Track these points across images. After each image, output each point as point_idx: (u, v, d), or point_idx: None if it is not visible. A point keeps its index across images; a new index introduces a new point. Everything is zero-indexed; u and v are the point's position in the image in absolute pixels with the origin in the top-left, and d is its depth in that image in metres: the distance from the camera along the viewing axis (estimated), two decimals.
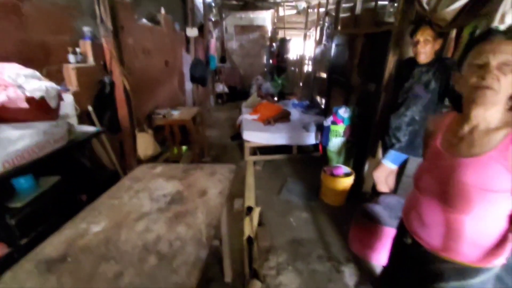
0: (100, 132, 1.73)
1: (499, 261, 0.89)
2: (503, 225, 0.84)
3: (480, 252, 0.87)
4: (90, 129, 1.70)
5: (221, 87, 7.45)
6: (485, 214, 0.83)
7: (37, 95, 1.29)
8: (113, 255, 0.85)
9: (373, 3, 3.16)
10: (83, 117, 1.98)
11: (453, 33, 1.83)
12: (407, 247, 1.07)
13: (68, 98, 1.76)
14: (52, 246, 0.90)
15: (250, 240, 2.09)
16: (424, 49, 1.68)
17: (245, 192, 2.83)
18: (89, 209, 1.12)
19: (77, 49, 2.06)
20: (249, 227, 2.24)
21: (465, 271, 0.91)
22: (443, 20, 1.56)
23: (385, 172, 2.05)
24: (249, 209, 2.50)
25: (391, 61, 2.11)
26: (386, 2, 3.29)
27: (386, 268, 1.26)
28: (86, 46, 2.12)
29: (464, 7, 1.43)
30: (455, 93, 0.90)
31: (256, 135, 3.67)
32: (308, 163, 3.62)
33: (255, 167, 3.53)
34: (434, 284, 0.97)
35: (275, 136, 3.67)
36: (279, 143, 3.69)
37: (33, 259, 0.84)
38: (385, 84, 2.20)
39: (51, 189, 1.36)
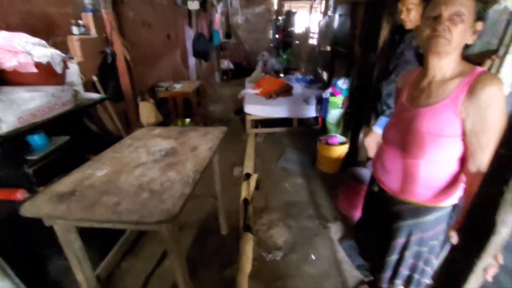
0: (105, 98, 1.87)
1: (450, 201, 1.00)
2: (454, 168, 0.94)
3: (433, 193, 0.98)
4: (95, 95, 1.84)
5: (226, 64, 7.44)
6: (436, 158, 0.92)
7: (44, 60, 1.42)
8: (113, 191, 1.01)
9: None
10: (89, 87, 2.12)
11: None
12: (374, 195, 1.19)
13: (73, 67, 1.89)
14: (63, 184, 1.06)
15: (246, 201, 2.26)
16: (408, 17, 1.68)
17: (245, 161, 2.98)
18: (95, 160, 1.28)
19: (80, 22, 2.15)
20: (246, 191, 2.40)
21: (420, 210, 1.02)
22: None
23: (375, 138, 2.12)
24: (247, 176, 2.66)
25: (385, 28, 2.12)
26: None
27: (360, 217, 1.39)
28: (88, 18, 2.21)
29: None
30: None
31: (258, 108, 3.75)
32: (307, 135, 3.71)
33: (256, 139, 3.65)
34: (394, 224, 1.09)
35: (276, 109, 3.75)
36: (280, 116, 3.77)
37: (47, 193, 1.01)
38: (379, 52, 2.22)
39: (62, 146, 1.53)
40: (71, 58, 1.81)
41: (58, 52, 1.53)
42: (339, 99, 3.07)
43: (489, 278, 0.67)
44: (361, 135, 2.78)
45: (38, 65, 1.41)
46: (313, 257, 1.73)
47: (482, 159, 0.83)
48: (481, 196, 0.67)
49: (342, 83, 3.02)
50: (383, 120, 2.02)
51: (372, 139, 2.21)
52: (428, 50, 0.88)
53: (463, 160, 0.92)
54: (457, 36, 0.82)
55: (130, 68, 2.12)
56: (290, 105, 3.81)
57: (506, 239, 0.65)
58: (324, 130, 3.36)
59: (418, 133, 0.92)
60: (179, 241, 1.00)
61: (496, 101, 0.79)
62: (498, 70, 1.35)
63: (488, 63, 1.36)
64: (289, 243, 1.85)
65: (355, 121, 3.06)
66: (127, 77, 2.11)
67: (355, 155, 2.82)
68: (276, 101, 3.91)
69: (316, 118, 3.84)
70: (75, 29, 2.10)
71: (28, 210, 0.92)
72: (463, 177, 0.97)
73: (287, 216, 2.12)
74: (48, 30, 1.97)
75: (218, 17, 6.49)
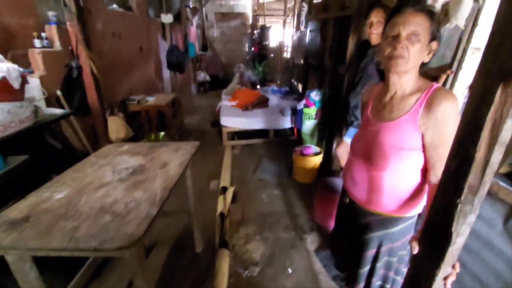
0: (69, 114, 1.77)
1: (415, 211, 1.03)
2: (417, 179, 0.97)
3: (398, 203, 1.01)
4: (58, 111, 1.74)
5: (202, 76, 7.42)
6: (400, 169, 0.96)
7: None
8: (72, 215, 0.94)
9: None
10: (52, 101, 2.01)
11: None
12: (345, 206, 1.21)
13: (34, 82, 1.78)
14: (16, 210, 0.98)
15: (222, 215, 2.22)
16: (377, 30, 1.78)
17: (222, 173, 2.94)
18: (54, 181, 1.19)
19: (43, 34, 2.06)
20: (222, 204, 2.36)
21: (387, 221, 1.05)
22: (391, 1, 1.68)
23: (346, 148, 2.19)
24: (224, 189, 2.62)
25: (351, 44, 2.23)
26: None
27: (333, 227, 1.40)
28: (52, 30, 2.12)
29: None
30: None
31: (234, 120, 3.75)
32: (284, 146, 3.75)
33: (233, 151, 3.63)
34: (365, 235, 1.11)
35: (252, 121, 3.77)
36: (256, 128, 3.79)
37: None
38: (347, 65, 2.33)
39: (19, 166, 1.41)
40: (31, 72, 1.71)
41: (15, 66, 1.44)
42: (312, 110, 3.15)
43: (448, 286, 0.70)
44: (334, 145, 2.86)
45: None
46: (289, 270, 1.72)
47: (442, 171, 0.87)
48: (436, 209, 0.70)
49: (315, 95, 3.11)
50: (352, 130, 2.10)
51: (343, 149, 2.27)
52: (389, 70, 0.93)
53: (426, 171, 0.96)
54: (414, 54, 0.87)
55: (98, 81, 2.04)
56: (266, 116, 3.85)
57: (461, 247, 0.69)
58: (299, 140, 3.42)
59: (382, 146, 0.95)
60: (146, 266, 0.95)
61: (451, 115, 0.84)
62: (452, 84, 1.46)
63: (443, 78, 1.46)
64: (266, 256, 1.82)
65: (328, 132, 3.15)
66: (94, 91, 2.03)
67: (329, 165, 2.89)
68: (253, 113, 3.93)
69: (292, 129, 3.91)
70: (37, 42, 1.99)
71: None
72: (426, 188, 1.01)
73: (263, 228, 2.10)
74: (8, 43, 1.86)
75: (193, 30, 6.51)
